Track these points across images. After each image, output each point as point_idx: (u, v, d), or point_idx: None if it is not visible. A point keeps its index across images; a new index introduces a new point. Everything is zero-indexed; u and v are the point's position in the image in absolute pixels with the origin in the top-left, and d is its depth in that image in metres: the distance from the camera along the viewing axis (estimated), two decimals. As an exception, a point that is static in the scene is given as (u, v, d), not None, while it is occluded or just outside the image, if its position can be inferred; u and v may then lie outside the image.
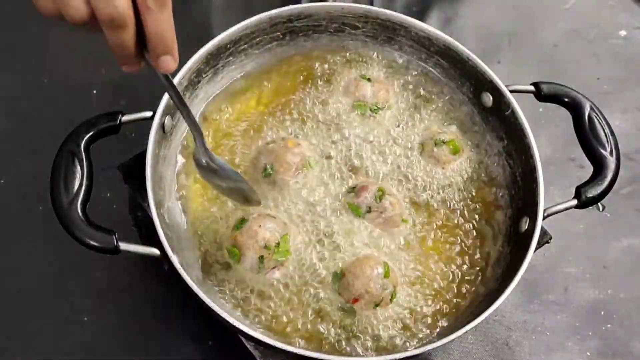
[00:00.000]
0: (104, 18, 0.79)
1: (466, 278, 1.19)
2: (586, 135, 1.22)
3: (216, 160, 1.09)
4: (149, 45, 0.84)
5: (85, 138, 1.10)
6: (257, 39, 1.31)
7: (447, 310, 1.16)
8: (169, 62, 0.86)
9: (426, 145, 1.26)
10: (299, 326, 1.12)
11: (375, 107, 1.28)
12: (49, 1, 0.80)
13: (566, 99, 1.25)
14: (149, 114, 1.15)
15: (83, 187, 1.06)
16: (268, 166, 1.19)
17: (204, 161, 1.08)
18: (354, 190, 1.20)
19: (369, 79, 1.30)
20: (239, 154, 1.25)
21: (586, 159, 1.22)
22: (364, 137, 1.27)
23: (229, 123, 1.28)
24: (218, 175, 1.11)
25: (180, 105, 1.00)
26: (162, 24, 0.82)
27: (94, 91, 1.47)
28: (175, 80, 1.18)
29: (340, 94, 1.30)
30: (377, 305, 1.11)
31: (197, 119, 1.18)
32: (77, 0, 0.79)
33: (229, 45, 1.27)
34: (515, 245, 1.19)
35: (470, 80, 1.31)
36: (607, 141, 1.21)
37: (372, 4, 1.53)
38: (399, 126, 1.29)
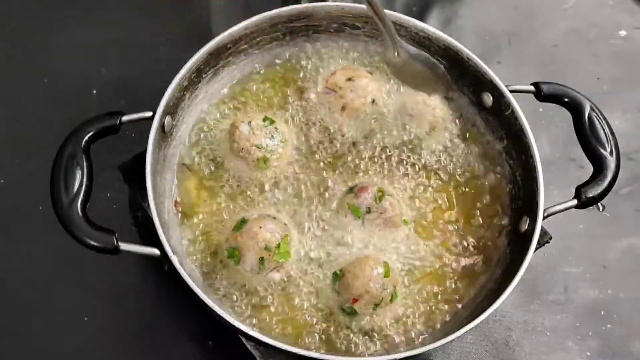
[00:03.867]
0: None
1: (466, 278, 1.19)
2: (586, 135, 1.22)
3: (409, 50, 1.21)
4: None
5: (85, 138, 1.10)
6: (257, 39, 1.31)
7: (447, 310, 1.16)
8: None
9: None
10: (299, 326, 1.12)
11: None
12: None
13: (566, 99, 1.25)
14: (149, 114, 1.15)
15: (83, 187, 1.06)
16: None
17: (399, 60, 1.20)
18: (353, 190, 1.20)
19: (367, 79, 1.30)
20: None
21: (586, 159, 1.22)
22: (361, 134, 1.28)
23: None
24: (408, 65, 1.21)
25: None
26: None
27: (94, 91, 1.47)
28: (175, 80, 1.18)
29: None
30: (377, 305, 1.11)
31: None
32: None
33: (229, 45, 1.27)
34: (515, 245, 1.19)
35: (470, 80, 1.31)
36: (607, 141, 1.21)
37: (372, 4, 1.53)
38: (398, 126, 1.30)
